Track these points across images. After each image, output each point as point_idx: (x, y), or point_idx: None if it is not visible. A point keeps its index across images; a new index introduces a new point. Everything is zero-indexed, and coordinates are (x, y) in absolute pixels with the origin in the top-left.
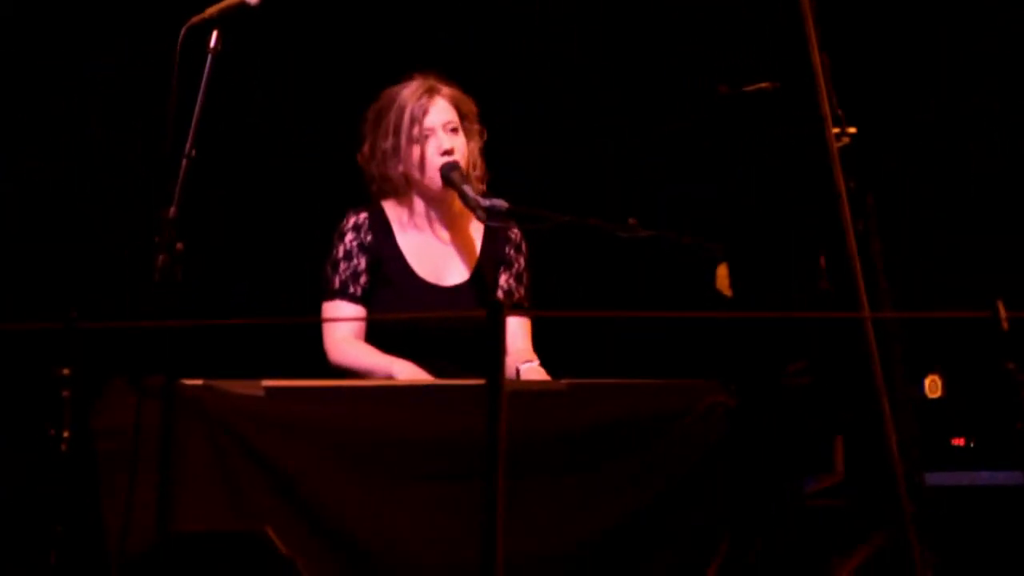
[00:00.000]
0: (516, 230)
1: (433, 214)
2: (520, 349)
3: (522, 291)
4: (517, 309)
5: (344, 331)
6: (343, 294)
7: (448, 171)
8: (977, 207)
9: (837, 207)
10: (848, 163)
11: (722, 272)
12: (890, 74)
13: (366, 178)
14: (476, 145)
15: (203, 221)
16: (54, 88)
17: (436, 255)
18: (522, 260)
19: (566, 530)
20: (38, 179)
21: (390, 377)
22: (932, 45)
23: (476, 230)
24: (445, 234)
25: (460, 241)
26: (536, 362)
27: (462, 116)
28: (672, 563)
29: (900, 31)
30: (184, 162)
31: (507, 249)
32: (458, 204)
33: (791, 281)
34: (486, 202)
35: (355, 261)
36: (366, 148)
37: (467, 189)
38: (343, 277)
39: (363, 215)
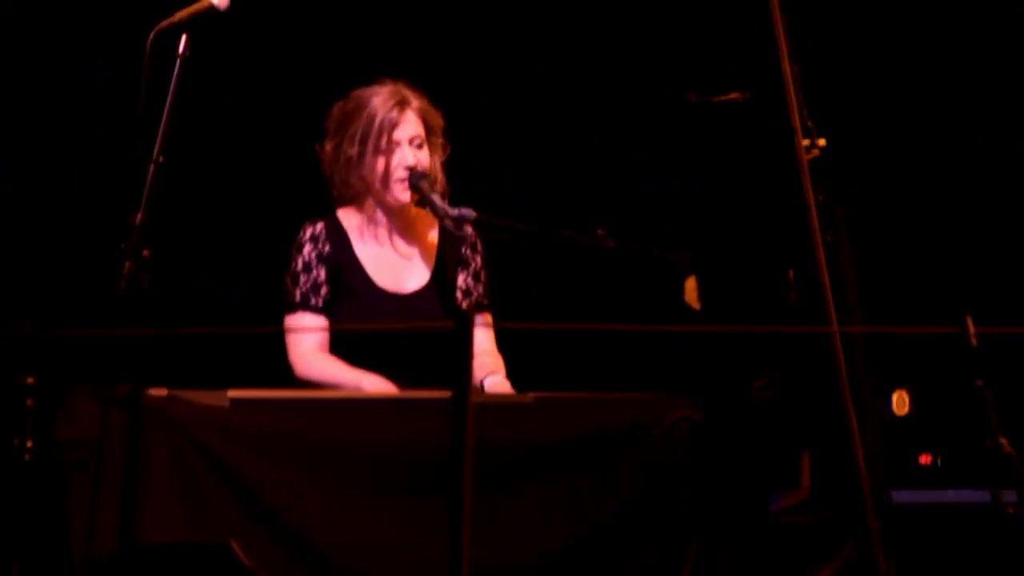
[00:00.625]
0: (470, 229)
1: (389, 223)
2: (485, 352)
3: (480, 289)
4: (480, 309)
5: (309, 344)
6: (305, 306)
7: (417, 179)
8: (950, 220)
9: (806, 220)
10: (818, 175)
11: (690, 285)
12: (861, 86)
13: (324, 175)
14: (439, 159)
15: (170, 227)
16: (19, 93)
17: (395, 263)
18: (479, 259)
19: (531, 544)
20: (4, 187)
21: (359, 390)
22: (904, 55)
23: (432, 235)
24: (402, 242)
25: (418, 247)
26: (501, 375)
27: (428, 130)
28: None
29: (871, 40)
30: (152, 167)
31: (463, 249)
32: (414, 211)
33: (759, 294)
34: (454, 211)
35: (314, 273)
36: (329, 147)
37: (435, 198)
38: (304, 289)
39: (319, 225)
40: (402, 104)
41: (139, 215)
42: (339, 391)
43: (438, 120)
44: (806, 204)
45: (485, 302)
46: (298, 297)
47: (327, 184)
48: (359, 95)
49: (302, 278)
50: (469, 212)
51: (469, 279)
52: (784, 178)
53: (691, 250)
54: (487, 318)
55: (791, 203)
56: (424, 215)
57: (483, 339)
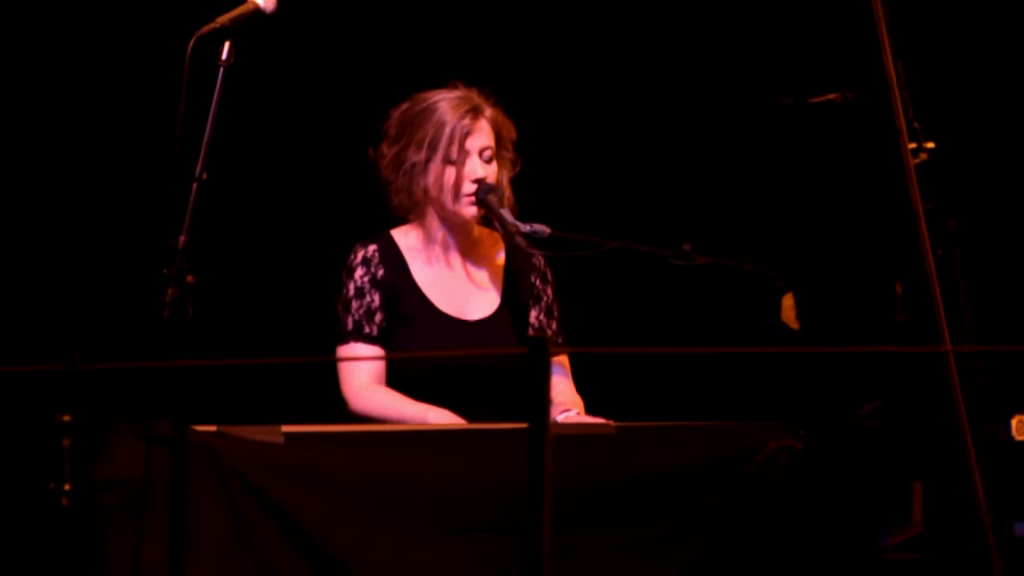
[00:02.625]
0: (540, 257)
1: (451, 241)
2: (561, 392)
3: (554, 326)
4: (558, 346)
5: (364, 376)
6: (358, 335)
7: (484, 193)
8: None
9: (914, 230)
10: (926, 181)
11: (787, 303)
12: (972, 83)
13: (380, 182)
14: (507, 174)
15: (216, 251)
16: (52, 107)
17: (456, 287)
18: (550, 291)
19: None
20: (33, 206)
21: (424, 424)
22: (1021, 49)
23: (499, 257)
24: (466, 264)
25: (482, 270)
26: (575, 410)
27: (499, 142)
28: None
29: (983, 32)
30: (194, 186)
31: (533, 279)
32: (478, 231)
33: (863, 312)
34: (526, 227)
35: (368, 298)
36: (389, 153)
37: (505, 213)
38: (356, 317)
39: (372, 247)
40: (475, 112)
41: (182, 238)
42: (401, 425)
43: (511, 132)
44: (913, 213)
45: (560, 341)
46: (350, 325)
47: (383, 193)
48: (426, 98)
49: (354, 304)
50: (543, 228)
51: (542, 315)
52: (889, 185)
53: (782, 268)
54: (563, 360)
55: (897, 212)
56: (489, 235)
57: (559, 383)
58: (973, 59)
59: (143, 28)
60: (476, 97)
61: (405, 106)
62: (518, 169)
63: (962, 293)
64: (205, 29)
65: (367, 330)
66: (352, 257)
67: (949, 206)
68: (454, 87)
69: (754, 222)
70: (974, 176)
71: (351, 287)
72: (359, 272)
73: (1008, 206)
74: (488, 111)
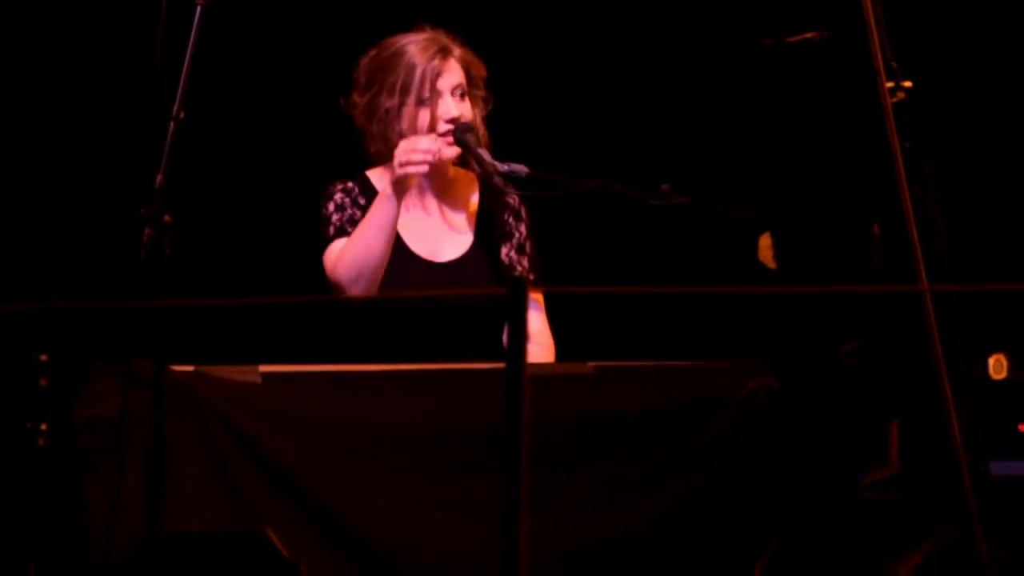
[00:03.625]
0: (515, 196)
1: (425, 183)
2: (535, 332)
3: (525, 263)
4: (531, 283)
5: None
6: (342, 233)
7: (462, 132)
8: None
9: (891, 170)
10: (903, 121)
11: (764, 243)
12: (952, 20)
13: (357, 132)
14: (480, 113)
15: (193, 190)
16: (26, 46)
17: (430, 228)
18: (523, 228)
19: (595, 527)
20: (10, 148)
21: (383, 215)
22: None
23: (473, 198)
24: (440, 205)
25: (454, 211)
26: (543, 346)
27: (470, 81)
28: (715, 562)
29: None
30: (171, 125)
31: (505, 216)
32: (453, 171)
33: (841, 252)
34: (504, 167)
35: (349, 211)
36: (361, 101)
37: (482, 152)
38: (338, 224)
39: (350, 184)
40: (444, 52)
41: (159, 177)
42: (379, 365)
43: (481, 70)
44: (891, 152)
45: (531, 277)
46: (332, 231)
47: (360, 141)
48: (393, 43)
49: (335, 216)
50: (520, 168)
51: (512, 251)
52: (866, 124)
53: (759, 209)
54: (536, 297)
55: (874, 151)
56: (463, 175)
57: (532, 321)
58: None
59: None
60: (444, 38)
61: (373, 52)
62: (490, 107)
63: (939, 233)
64: None
65: (351, 230)
66: (330, 187)
67: (927, 146)
68: (421, 30)
69: (732, 162)
70: (952, 115)
71: (331, 205)
72: (338, 195)
73: (986, 145)
74: (457, 50)
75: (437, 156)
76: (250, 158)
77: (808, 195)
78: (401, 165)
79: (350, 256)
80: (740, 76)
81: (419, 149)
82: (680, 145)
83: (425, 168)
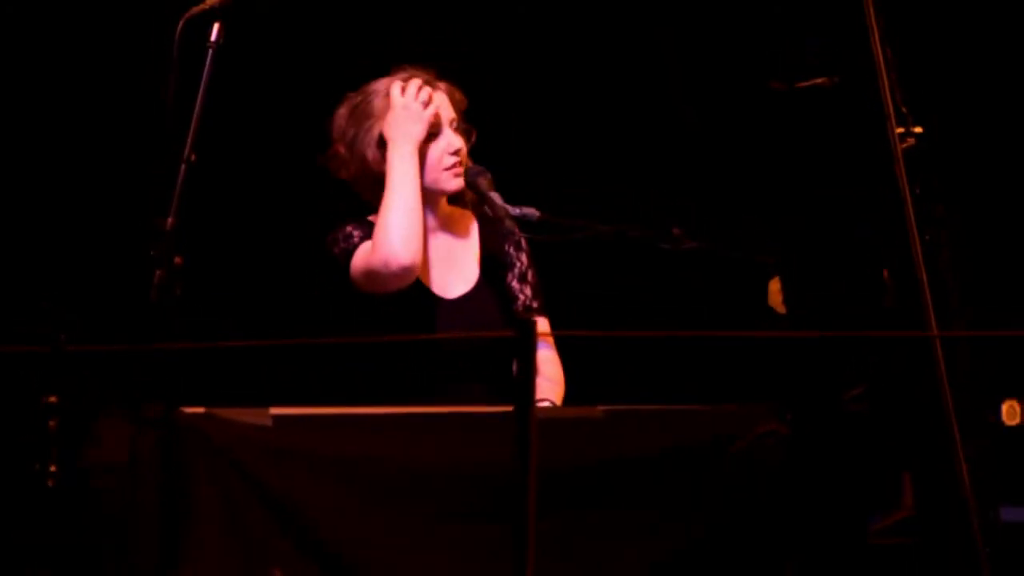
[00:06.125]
0: (515, 228)
1: (427, 219)
2: (542, 361)
3: (528, 291)
4: (530, 314)
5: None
6: (367, 239)
7: (474, 176)
8: None
9: (901, 215)
10: (914, 166)
11: (774, 287)
12: (963, 67)
13: (349, 182)
14: (466, 145)
15: (204, 233)
16: (40, 88)
17: (436, 264)
18: (524, 257)
19: (601, 572)
20: (22, 188)
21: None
22: (1013, 32)
23: (473, 231)
24: (441, 240)
25: (458, 246)
26: (548, 401)
27: (457, 113)
28: None
29: (974, 14)
30: (183, 167)
31: (507, 247)
32: (448, 208)
33: (850, 297)
34: (516, 210)
35: (368, 230)
36: (342, 148)
37: (495, 196)
38: (360, 236)
39: (356, 225)
40: (431, 84)
41: (170, 219)
42: (390, 408)
43: (463, 103)
44: (901, 198)
45: (534, 305)
46: (357, 239)
47: (353, 189)
48: (376, 86)
49: (355, 231)
50: (532, 212)
51: (515, 281)
52: (877, 170)
53: (769, 253)
54: (540, 324)
55: (885, 197)
56: (459, 211)
57: (539, 350)
58: (962, 43)
59: (133, 9)
60: (425, 74)
61: (356, 99)
62: (474, 140)
63: (949, 279)
64: (195, 10)
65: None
66: (338, 227)
67: (937, 191)
68: (399, 70)
69: (742, 207)
70: (963, 162)
71: (347, 228)
72: (349, 227)
73: (997, 192)
74: (441, 84)
75: (429, 96)
76: (260, 200)
77: (819, 240)
78: (405, 107)
79: (392, 224)
80: (754, 121)
81: (412, 95)
82: (694, 189)
83: (430, 101)
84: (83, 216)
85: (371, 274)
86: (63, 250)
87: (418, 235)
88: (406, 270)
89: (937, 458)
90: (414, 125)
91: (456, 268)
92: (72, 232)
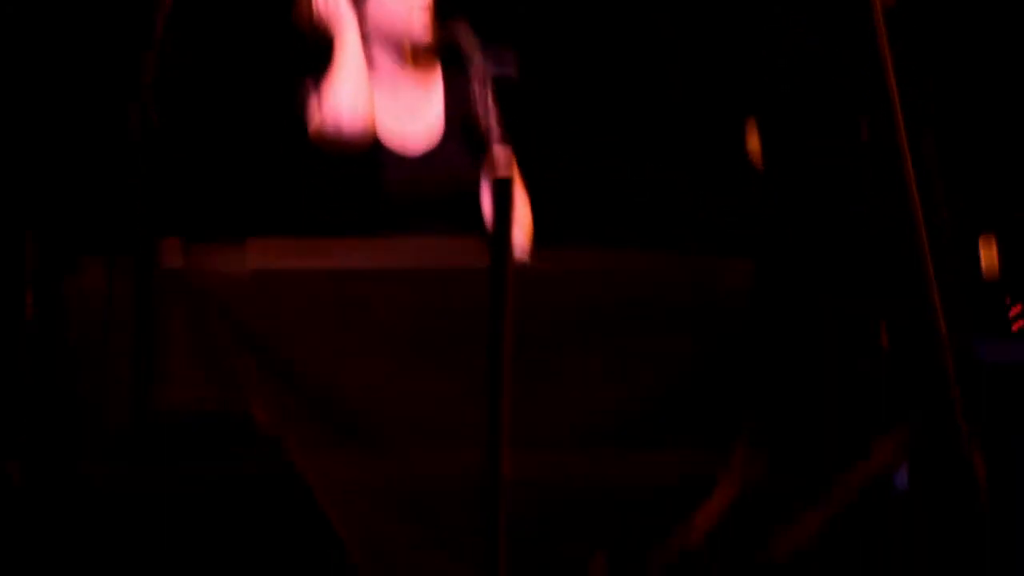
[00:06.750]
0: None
1: (391, 68)
2: None
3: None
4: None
5: None
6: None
7: (454, 32)
8: None
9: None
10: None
11: (753, 138)
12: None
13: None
14: None
15: (183, 62)
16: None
17: (405, 107)
18: (488, 93)
19: (576, 406)
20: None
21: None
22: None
23: (436, 75)
24: (409, 87)
25: (424, 91)
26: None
27: None
28: (691, 451)
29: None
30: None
31: (475, 97)
32: (415, 56)
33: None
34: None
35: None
36: None
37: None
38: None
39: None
40: None
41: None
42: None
43: None
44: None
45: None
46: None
47: None
48: None
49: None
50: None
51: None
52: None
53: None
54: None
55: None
56: (425, 61)
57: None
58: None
59: None
60: None
61: None
62: None
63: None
64: None
65: None
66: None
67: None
68: None
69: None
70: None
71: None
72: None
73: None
74: None
75: None
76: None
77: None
78: None
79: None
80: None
81: None
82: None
83: None
84: (62, 47)
85: (327, 140)
86: (42, 84)
87: (364, 103)
88: (356, 137)
89: (911, 292)
90: None
91: (422, 111)
92: (52, 65)
